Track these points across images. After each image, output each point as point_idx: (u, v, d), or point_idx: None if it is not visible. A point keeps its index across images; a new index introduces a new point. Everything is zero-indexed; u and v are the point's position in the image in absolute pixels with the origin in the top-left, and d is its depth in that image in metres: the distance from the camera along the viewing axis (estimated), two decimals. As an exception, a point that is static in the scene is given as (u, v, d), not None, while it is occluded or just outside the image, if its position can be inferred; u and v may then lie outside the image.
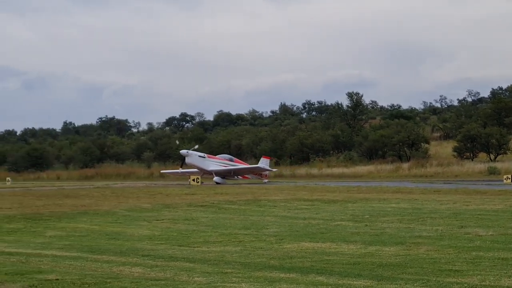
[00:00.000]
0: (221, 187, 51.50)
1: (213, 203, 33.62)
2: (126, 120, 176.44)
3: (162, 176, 75.55)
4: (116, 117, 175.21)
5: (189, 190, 46.92)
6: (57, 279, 12.70)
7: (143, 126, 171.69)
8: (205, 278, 12.66)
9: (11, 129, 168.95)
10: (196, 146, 68.04)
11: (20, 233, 22.66)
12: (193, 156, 64.16)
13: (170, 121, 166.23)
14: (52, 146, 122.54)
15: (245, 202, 33.89)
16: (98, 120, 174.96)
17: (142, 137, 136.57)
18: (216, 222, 24.96)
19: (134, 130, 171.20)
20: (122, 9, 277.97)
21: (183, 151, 65.38)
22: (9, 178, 77.91)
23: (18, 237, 21.32)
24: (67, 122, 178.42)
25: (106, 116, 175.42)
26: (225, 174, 64.72)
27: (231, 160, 67.22)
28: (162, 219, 26.18)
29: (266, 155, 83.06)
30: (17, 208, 31.38)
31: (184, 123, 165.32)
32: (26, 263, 15.16)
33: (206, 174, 63.55)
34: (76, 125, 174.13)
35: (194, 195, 39.83)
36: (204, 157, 64.66)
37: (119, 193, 43.76)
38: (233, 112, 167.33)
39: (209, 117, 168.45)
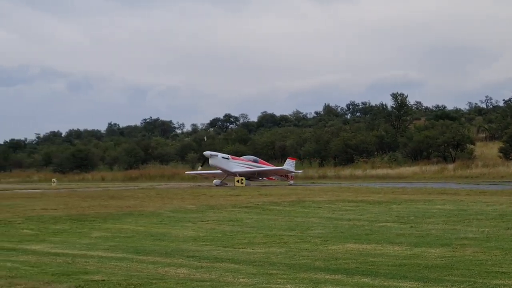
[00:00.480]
0: (265, 188, 51.42)
1: (258, 204, 33.61)
2: (170, 121, 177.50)
3: (207, 178, 75.36)
4: (160, 118, 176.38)
5: (233, 191, 46.99)
6: (103, 280, 12.82)
7: (187, 127, 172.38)
8: (250, 279, 12.68)
9: (56, 130, 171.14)
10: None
11: (66, 234, 22.89)
12: (217, 158, 63.64)
13: (214, 122, 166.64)
14: (97, 147, 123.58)
15: (290, 203, 33.84)
16: (142, 121, 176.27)
17: (186, 138, 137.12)
18: (260, 223, 24.97)
19: (178, 131, 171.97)
20: (167, 10, 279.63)
21: (206, 153, 64.92)
22: (54, 179, 78.68)
23: (64, 238, 21.53)
24: (112, 123, 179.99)
25: (151, 117, 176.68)
26: (249, 176, 64.21)
27: (255, 161, 66.24)
28: (207, 220, 26.26)
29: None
30: (63, 209, 31.69)
31: (228, 124, 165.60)
32: (72, 264, 15.31)
33: (230, 175, 63.15)
34: (120, 126, 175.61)
35: (238, 196, 39.85)
36: (228, 159, 63.93)
37: (164, 194, 43.97)
38: (277, 113, 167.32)
39: (253, 118, 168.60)
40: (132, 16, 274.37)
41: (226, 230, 22.83)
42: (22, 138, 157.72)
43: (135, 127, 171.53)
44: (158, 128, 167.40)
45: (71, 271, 14.02)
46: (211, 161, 63.55)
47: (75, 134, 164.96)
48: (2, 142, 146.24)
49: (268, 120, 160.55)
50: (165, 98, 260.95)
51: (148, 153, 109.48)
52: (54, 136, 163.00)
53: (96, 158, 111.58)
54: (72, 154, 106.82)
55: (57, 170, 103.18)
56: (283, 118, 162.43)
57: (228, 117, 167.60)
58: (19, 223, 26.00)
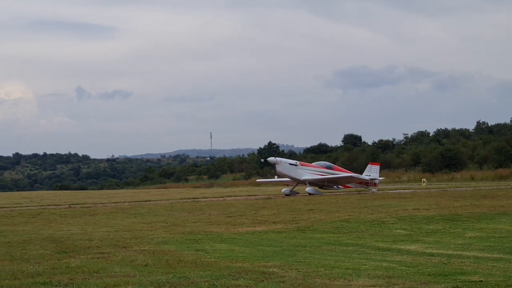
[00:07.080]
0: None
1: None
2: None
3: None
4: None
5: None
6: (481, 281, 12.69)
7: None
8: None
9: (424, 130, 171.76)
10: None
11: (439, 234, 22.92)
12: (283, 164, 57.76)
13: None
14: (465, 147, 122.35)
15: None
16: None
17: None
18: None
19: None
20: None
21: (271, 159, 59.02)
22: (424, 179, 79.02)
23: (437, 238, 21.58)
24: (480, 121, 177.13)
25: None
26: (322, 184, 57.50)
27: (329, 167, 59.06)
28: None
29: None
30: (435, 209, 31.73)
31: None
32: (448, 264, 15.28)
33: (300, 183, 57.08)
34: (489, 125, 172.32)
35: None
36: (296, 165, 57.75)
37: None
38: None
39: None
40: (498, 11, 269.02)
41: None
42: (390, 139, 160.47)
43: (505, 125, 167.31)
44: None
45: (447, 271, 14.01)
46: (277, 168, 57.81)
47: (442, 134, 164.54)
48: (371, 143, 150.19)
49: None
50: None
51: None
52: (421, 136, 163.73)
53: (465, 157, 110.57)
54: (440, 154, 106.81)
55: (426, 170, 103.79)
56: None
57: None
58: (392, 223, 26.47)
